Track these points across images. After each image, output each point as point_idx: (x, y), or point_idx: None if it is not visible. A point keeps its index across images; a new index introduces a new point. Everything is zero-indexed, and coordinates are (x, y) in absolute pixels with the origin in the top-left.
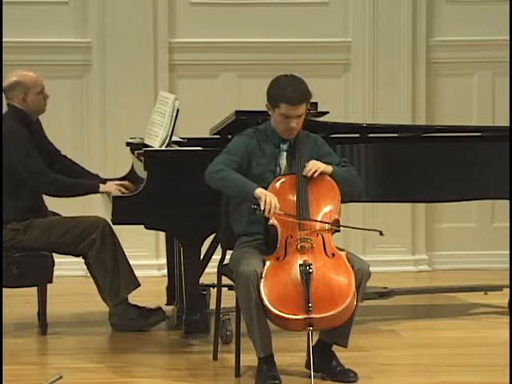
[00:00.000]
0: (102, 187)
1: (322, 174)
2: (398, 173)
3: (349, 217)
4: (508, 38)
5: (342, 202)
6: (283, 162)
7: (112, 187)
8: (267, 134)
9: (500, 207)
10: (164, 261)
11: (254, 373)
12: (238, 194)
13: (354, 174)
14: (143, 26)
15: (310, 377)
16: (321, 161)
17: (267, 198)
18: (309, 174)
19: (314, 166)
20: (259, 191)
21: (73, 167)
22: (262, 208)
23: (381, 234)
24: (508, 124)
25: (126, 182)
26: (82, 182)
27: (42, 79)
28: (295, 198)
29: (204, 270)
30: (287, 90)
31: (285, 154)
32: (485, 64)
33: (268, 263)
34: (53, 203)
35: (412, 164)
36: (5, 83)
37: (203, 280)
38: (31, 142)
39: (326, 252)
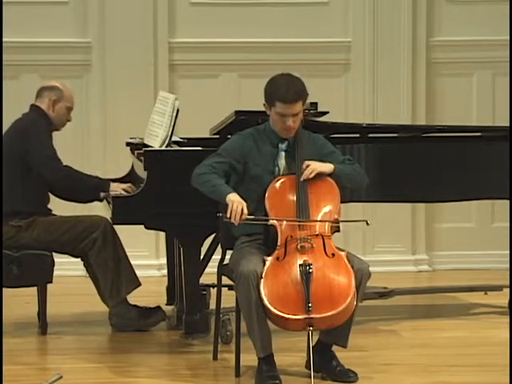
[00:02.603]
0: (112, 186)
1: (321, 173)
2: (398, 173)
3: (349, 217)
4: (508, 38)
5: (342, 201)
6: (282, 162)
7: (120, 187)
8: (266, 133)
9: (500, 207)
10: (164, 261)
11: (254, 373)
12: (216, 199)
13: (359, 170)
14: (143, 26)
15: (310, 377)
16: (324, 160)
17: (234, 204)
18: (305, 178)
19: (310, 169)
20: (228, 198)
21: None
22: (228, 215)
23: (367, 223)
24: (508, 124)
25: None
26: (91, 179)
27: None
28: (295, 199)
29: (204, 270)
30: (282, 88)
31: (283, 153)
32: (485, 64)
33: (268, 263)
34: (54, 203)
35: (412, 164)
36: (45, 83)
37: (203, 280)
38: (50, 136)
39: (325, 252)
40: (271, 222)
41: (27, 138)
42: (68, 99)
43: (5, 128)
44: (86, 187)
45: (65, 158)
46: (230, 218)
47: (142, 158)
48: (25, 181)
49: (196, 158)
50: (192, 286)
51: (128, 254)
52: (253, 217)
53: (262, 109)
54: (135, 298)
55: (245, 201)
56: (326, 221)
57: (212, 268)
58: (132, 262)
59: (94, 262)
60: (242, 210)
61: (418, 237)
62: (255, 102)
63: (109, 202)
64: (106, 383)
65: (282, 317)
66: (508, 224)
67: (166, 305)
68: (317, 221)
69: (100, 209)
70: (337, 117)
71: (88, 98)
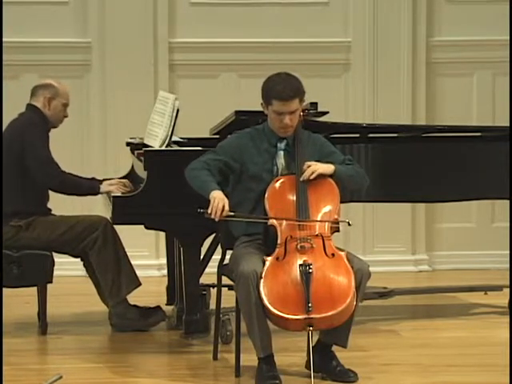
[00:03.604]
0: (103, 187)
1: (322, 174)
2: (398, 173)
3: (348, 217)
4: (508, 38)
5: (342, 201)
6: (281, 161)
7: (112, 186)
8: (264, 133)
9: (500, 207)
10: (164, 261)
11: (254, 373)
12: (203, 195)
13: (360, 171)
14: (143, 26)
15: (310, 377)
16: (324, 160)
17: (215, 200)
18: (305, 179)
19: (310, 170)
20: (211, 194)
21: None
22: (209, 211)
23: (349, 224)
24: (508, 124)
25: (124, 180)
26: (84, 182)
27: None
28: (295, 199)
29: (204, 270)
30: (278, 86)
31: (282, 153)
32: (485, 64)
33: (268, 263)
34: (54, 202)
35: (412, 164)
36: (39, 82)
37: (203, 280)
38: (47, 136)
39: (325, 252)
40: (270, 221)
41: (24, 138)
42: (63, 96)
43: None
44: (78, 192)
45: (65, 158)
46: (210, 214)
47: (142, 158)
48: (24, 180)
49: (196, 158)
50: (192, 286)
51: (128, 253)
52: (233, 213)
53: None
54: (135, 297)
55: (243, 200)
56: (317, 221)
57: (212, 268)
58: (132, 262)
59: (94, 262)
60: (224, 206)
61: (417, 237)
62: (255, 102)
63: (110, 199)
64: (106, 383)
65: (282, 317)
66: (508, 224)
67: (166, 305)
68: (304, 221)
69: (100, 209)
70: (337, 117)
71: (88, 98)
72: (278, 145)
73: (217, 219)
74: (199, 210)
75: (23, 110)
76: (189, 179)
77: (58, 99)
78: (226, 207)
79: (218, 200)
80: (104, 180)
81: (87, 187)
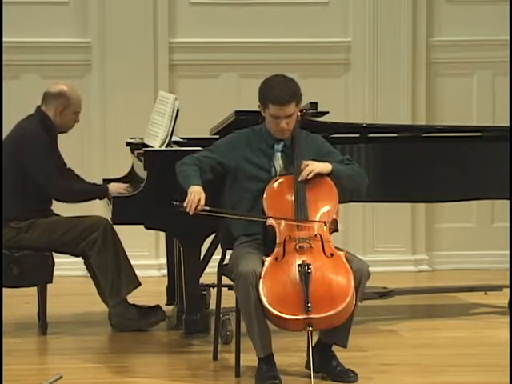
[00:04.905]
0: (111, 189)
1: (320, 173)
2: (398, 173)
3: (348, 217)
4: (508, 38)
5: (342, 201)
6: (279, 162)
7: (121, 187)
8: (262, 133)
9: (500, 207)
10: (164, 261)
11: (254, 373)
12: (184, 189)
13: (359, 170)
14: (143, 26)
15: (310, 377)
16: (322, 160)
17: (192, 195)
18: (303, 178)
19: (308, 169)
20: (189, 189)
21: (78, 181)
22: (185, 205)
23: (325, 224)
24: (508, 124)
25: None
26: (92, 189)
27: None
28: (293, 199)
29: (204, 269)
30: (274, 90)
31: (279, 154)
32: (485, 64)
33: (267, 263)
34: (54, 202)
35: (412, 164)
36: (51, 88)
37: (203, 280)
38: (51, 150)
39: (324, 252)
40: (269, 221)
41: (26, 150)
42: (75, 104)
43: (5, 128)
44: (87, 199)
45: (64, 158)
46: (185, 207)
47: (142, 158)
48: (25, 184)
49: None
50: (192, 286)
51: (128, 254)
52: (209, 208)
53: None
54: (135, 297)
55: (240, 200)
56: (312, 221)
57: (212, 268)
58: (132, 262)
59: (94, 262)
60: (199, 200)
61: (417, 237)
62: (255, 101)
63: (110, 200)
64: (106, 383)
65: (281, 317)
66: (508, 224)
67: (166, 305)
68: (299, 221)
69: (100, 209)
70: (337, 117)
71: (88, 98)
72: (276, 146)
73: (191, 213)
74: (174, 203)
75: (25, 111)
76: (177, 173)
77: (70, 109)
78: (202, 202)
79: (195, 194)
80: (108, 180)
81: (96, 192)
